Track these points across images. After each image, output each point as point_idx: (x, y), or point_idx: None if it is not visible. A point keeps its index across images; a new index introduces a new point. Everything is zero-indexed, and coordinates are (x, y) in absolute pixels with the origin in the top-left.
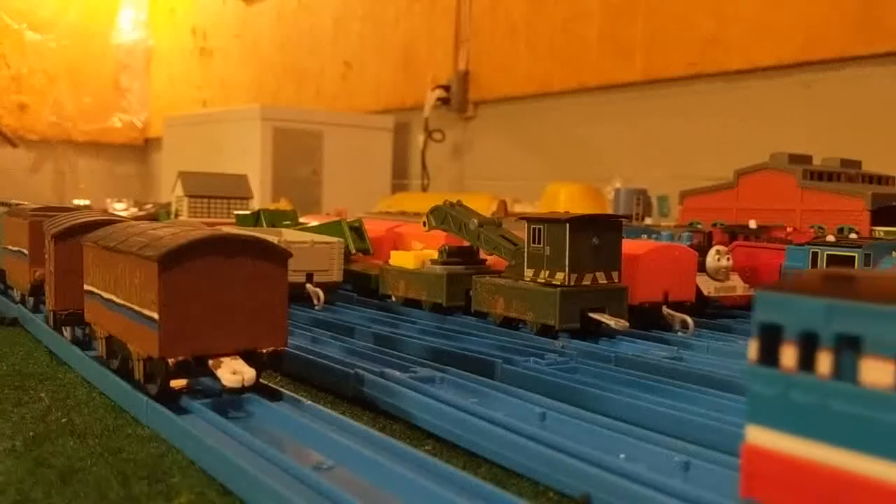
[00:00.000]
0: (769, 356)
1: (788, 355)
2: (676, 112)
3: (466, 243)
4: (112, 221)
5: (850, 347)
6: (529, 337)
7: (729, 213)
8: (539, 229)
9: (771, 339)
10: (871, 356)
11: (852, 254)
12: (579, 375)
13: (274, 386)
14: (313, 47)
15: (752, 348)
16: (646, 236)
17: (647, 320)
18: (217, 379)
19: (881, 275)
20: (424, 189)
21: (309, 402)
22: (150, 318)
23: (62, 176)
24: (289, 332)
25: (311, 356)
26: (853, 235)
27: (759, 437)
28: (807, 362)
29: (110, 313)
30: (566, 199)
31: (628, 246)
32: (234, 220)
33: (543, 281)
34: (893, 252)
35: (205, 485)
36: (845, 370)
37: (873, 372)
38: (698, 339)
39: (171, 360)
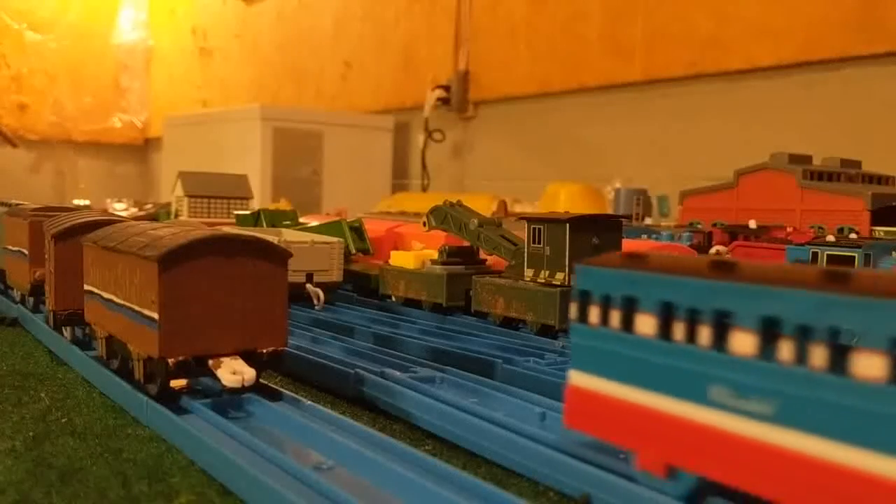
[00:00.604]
0: (582, 315)
1: (594, 314)
2: (676, 112)
3: (466, 243)
4: (112, 221)
5: (631, 307)
6: (529, 337)
7: (729, 213)
8: (539, 229)
9: (583, 302)
10: (642, 312)
11: (852, 254)
12: None
13: (274, 386)
14: (313, 47)
15: (572, 309)
16: (646, 236)
17: None
18: (217, 379)
19: (665, 255)
20: (424, 189)
21: (309, 402)
22: (150, 318)
23: (62, 176)
24: (289, 332)
25: (311, 356)
26: (853, 235)
27: (577, 379)
28: (605, 319)
29: (110, 313)
30: (566, 199)
31: (628, 246)
32: (234, 220)
33: (543, 281)
34: (893, 252)
35: (205, 485)
36: (628, 325)
37: (645, 325)
38: None
39: (171, 360)
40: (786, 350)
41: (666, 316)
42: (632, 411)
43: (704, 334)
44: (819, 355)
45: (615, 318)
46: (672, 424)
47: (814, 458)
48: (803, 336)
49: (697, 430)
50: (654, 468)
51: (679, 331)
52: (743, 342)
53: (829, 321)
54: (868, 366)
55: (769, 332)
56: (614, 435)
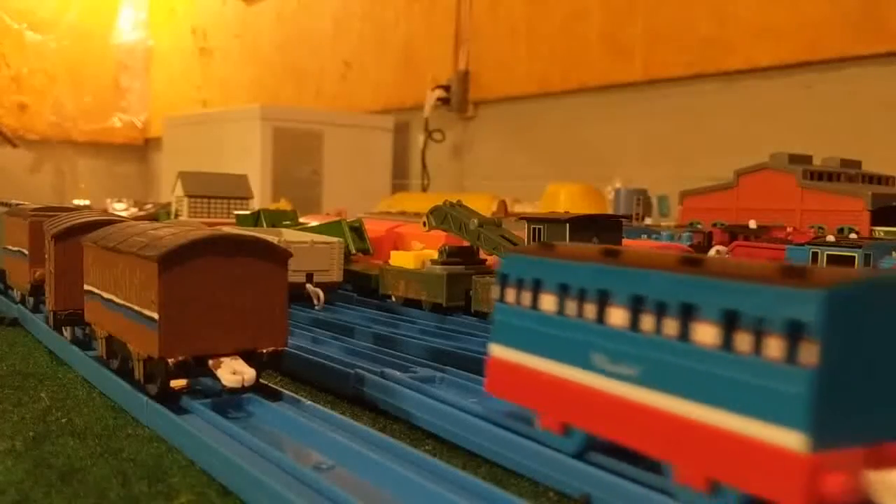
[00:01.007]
0: (502, 295)
1: (510, 294)
2: (676, 112)
3: (466, 243)
4: (112, 221)
5: (538, 288)
6: None
7: (729, 213)
8: (539, 229)
9: (503, 284)
10: (546, 292)
11: (852, 254)
12: None
13: (274, 386)
14: (313, 47)
15: (494, 290)
16: (646, 236)
17: None
18: (217, 379)
19: (570, 245)
20: (424, 189)
21: (309, 402)
22: (150, 318)
23: (62, 176)
24: (289, 332)
25: (311, 356)
26: (853, 235)
27: (496, 351)
28: (518, 298)
29: (110, 313)
30: (566, 199)
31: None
32: (234, 220)
33: None
34: (893, 252)
35: (205, 485)
36: (535, 303)
37: (547, 302)
38: None
39: (171, 360)
40: (647, 322)
41: (562, 295)
42: (535, 377)
43: (589, 310)
44: (671, 326)
45: (526, 297)
46: (565, 388)
47: (671, 413)
48: (661, 310)
49: (584, 392)
50: (553, 426)
51: (571, 307)
52: (617, 316)
53: (681, 298)
54: (704, 332)
55: (636, 307)
56: (523, 399)
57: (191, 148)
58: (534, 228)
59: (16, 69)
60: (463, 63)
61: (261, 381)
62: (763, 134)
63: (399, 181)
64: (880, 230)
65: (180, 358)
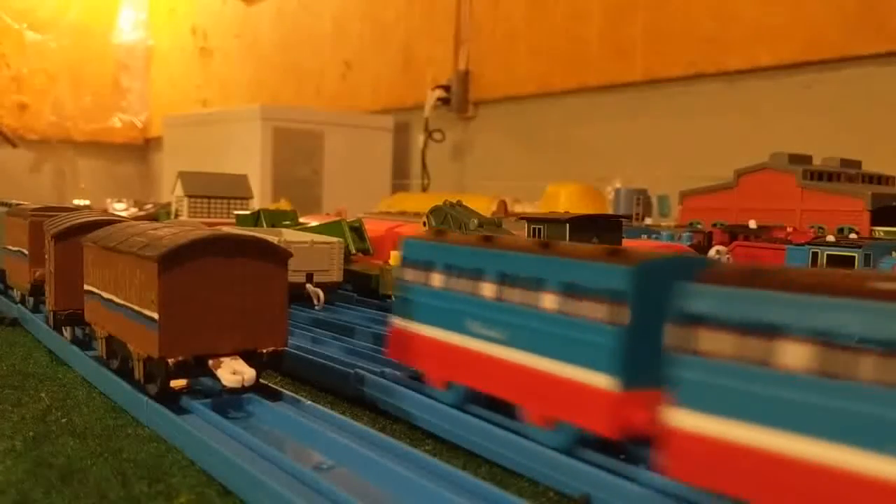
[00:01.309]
0: (402, 274)
1: (411, 274)
2: (676, 112)
3: None
4: (112, 221)
5: (428, 267)
6: None
7: (729, 213)
8: (539, 229)
9: (403, 266)
10: (437, 272)
11: (852, 254)
12: None
13: (274, 386)
14: (313, 47)
15: (400, 272)
16: (646, 236)
17: None
18: (217, 379)
19: (459, 235)
20: (424, 189)
21: (309, 402)
22: (150, 318)
23: (62, 176)
24: (289, 332)
25: (311, 356)
26: (853, 235)
27: (396, 322)
28: (417, 278)
29: (110, 313)
30: (566, 199)
31: (628, 246)
32: (234, 220)
33: None
34: (893, 252)
35: (205, 485)
36: (430, 281)
37: (436, 280)
38: None
39: (171, 360)
40: (516, 295)
41: (448, 273)
42: (424, 342)
43: (465, 284)
44: (530, 296)
45: (420, 276)
46: (447, 349)
47: (524, 366)
48: (526, 285)
49: (462, 353)
50: (437, 384)
51: (453, 282)
52: (488, 289)
53: (534, 273)
54: (549, 301)
55: (504, 282)
56: (414, 362)
57: (191, 148)
58: (534, 228)
59: (16, 69)
60: (463, 63)
61: (261, 381)
62: (763, 134)
63: (399, 181)
64: (880, 230)
65: (180, 358)
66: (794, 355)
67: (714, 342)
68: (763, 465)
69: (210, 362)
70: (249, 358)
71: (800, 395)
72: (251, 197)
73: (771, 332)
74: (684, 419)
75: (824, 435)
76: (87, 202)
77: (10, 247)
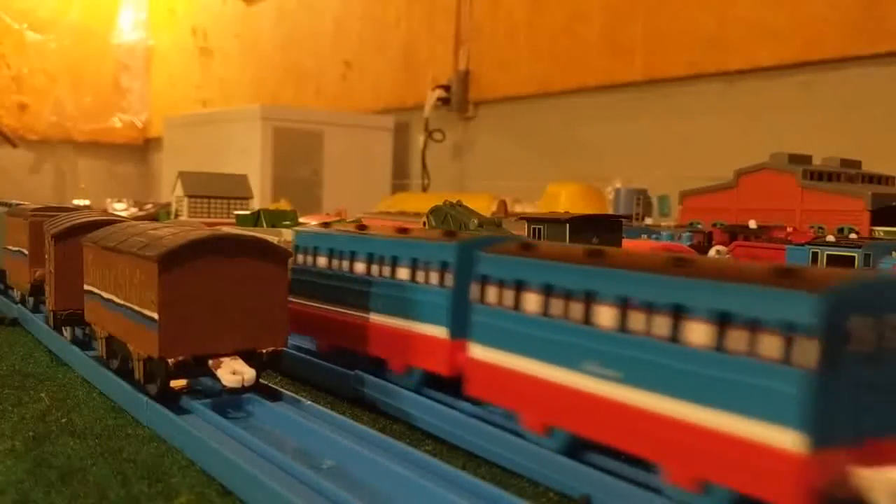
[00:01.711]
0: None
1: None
2: (676, 112)
3: None
4: (112, 221)
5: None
6: None
7: (729, 213)
8: (539, 229)
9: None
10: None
11: (852, 254)
12: None
13: (274, 386)
14: (313, 47)
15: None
16: (646, 236)
17: None
18: (217, 379)
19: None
20: (424, 189)
21: (309, 402)
22: (150, 318)
23: (62, 176)
24: (289, 332)
25: (311, 356)
26: (853, 235)
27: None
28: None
29: (110, 313)
30: (566, 199)
31: (628, 246)
32: (234, 220)
33: None
34: (893, 252)
35: (205, 485)
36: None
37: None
38: None
39: (171, 360)
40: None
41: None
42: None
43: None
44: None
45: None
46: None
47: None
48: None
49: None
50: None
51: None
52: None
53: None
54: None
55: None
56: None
57: (191, 148)
58: (534, 228)
59: (16, 69)
60: (463, 63)
61: (261, 381)
62: (763, 134)
63: (399, 181)
64: (880, 230)
65: (180, 358)
66: (531, 303)
67: (491, 294)
68: (523, 384)
69: (210, 362)
70: (249, 358)
71: (538, 332)
72: (251, 197)
73: (519, 287)
74: (476, 351)
75: (557, 361)
76: (87, 202)
77: (11, 247)
